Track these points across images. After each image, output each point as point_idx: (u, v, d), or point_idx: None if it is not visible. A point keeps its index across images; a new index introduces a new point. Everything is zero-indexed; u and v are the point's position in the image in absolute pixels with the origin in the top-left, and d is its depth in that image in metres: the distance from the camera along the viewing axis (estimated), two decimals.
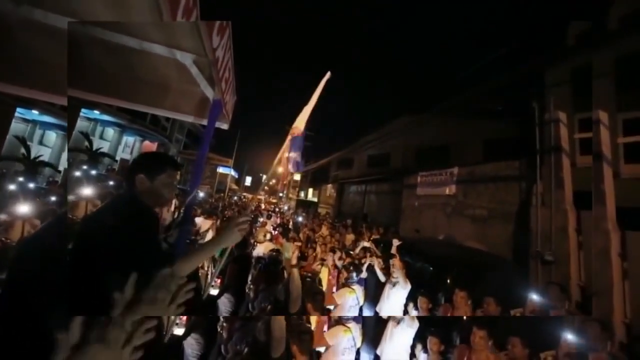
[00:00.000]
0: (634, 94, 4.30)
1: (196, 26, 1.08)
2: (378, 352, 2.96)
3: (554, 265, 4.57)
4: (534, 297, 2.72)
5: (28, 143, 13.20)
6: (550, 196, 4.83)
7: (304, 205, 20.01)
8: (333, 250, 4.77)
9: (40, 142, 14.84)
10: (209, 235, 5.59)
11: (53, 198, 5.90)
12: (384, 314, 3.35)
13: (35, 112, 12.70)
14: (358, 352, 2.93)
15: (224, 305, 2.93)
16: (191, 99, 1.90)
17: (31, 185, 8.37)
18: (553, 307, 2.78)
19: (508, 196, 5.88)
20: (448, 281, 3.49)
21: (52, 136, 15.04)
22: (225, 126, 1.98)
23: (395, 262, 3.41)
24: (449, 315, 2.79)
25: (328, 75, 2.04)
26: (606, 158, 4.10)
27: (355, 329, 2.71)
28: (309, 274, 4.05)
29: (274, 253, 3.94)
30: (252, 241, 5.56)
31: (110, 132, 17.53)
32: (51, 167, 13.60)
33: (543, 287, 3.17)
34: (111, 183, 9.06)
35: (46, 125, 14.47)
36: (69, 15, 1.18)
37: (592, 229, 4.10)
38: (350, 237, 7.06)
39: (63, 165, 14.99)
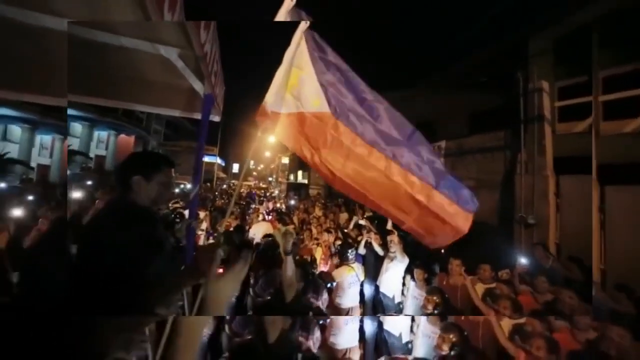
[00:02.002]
0: (612, 52, 4.38)
1: (181, 21, 1.05)
2: (377, 283, 3.63)
3: (535, 227, 4.91)
4: (522, 259, 2.94)
5: None
6: (533, 163, 5.07)
7: (294, 188, 20.01)
8: (328, 231, 4.87)
9: (4, 138, 13.59)
10: (204, 226, 5.56)
11: (30, 197, 5.56)
12: (383, 287, 3.53)
13: None
14: (362, 285, 3.61)
15: None
16: (179, 94, 1.82)
17: (2, 185, 7.82)
18: (539, 264, 3.06)
19: (494, 166, 6.12)
20: (442, 251, 3.68)
21: (16, 131, 13.78)
22: (217, 118, 1.90)
23: (393, 238, 3.54)
24: (444, 283, 2.97)
25: (303, 25, 1.40)
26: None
27: (358, 267, 3.43)
28: (305, 257, 4.15)
29: (269, 239, 3.98)
30: (247, 228, 5.58)
31: (79, 127, 16.27)
32: (22, 164, 12.64)
33: (529, 248, 3.44)
34: (89, 182, 8.60)
35: (7, 120, 13.08)
36: (45, 12, 1.11)
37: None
38: (344, 216, 7.19)
39: (35, 161, 13.98)
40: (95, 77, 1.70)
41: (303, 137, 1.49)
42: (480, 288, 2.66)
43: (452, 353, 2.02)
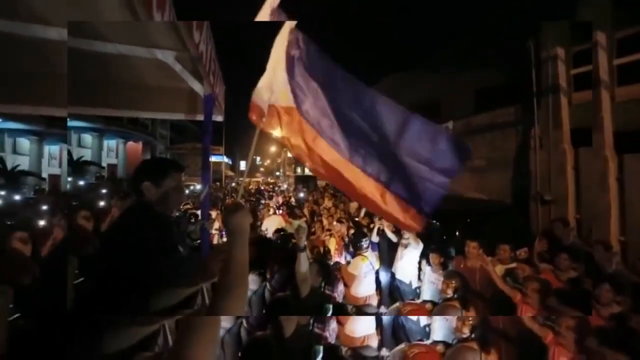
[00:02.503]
0: (628, 8, 3.98)
1: (174, 23, 1.07)
2: (393, 270, 3.60)
3: (552, 204, 4.75)
4: (541, 236, 2.86)
5: (0, 154, 12.56)
6: (548, 137, 4.86)
7: (302, 180, 20.03)
8: (340, 221, 4.85)
9: (14, 151, 14.09)
10: (216, 225, 5.67)
11: (44, 207, 5.77)
12: (399, 274, 3.52)
13: None
14: (377, 273, 3.60)
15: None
16: (180, 97, 1.84)
17: (17, 197, 8.15)
18: (560, 240, 2.97)
19: (505, 143, 5.92)
20: (457, 233, 3.62)
21: (25, 143, 14.25)
22: (219, 118, 1.92)
23: None
24: (462, 266, 2.93)
25: (289, 25, 1.41)
26: (604, 82, 4.01)
27: (372, 256, 3.40)
28: (319, 247, 4.17)
29: (281, 233, 4.00)
30: (259, 224, 5.64)
31: (89, 138, 16.66)
32: (34, 176, 13.10)
33: (547, 225, 3.33)
34: (103, 191, 8.83)
35: (15, 133, 13.58)
36: (36, 21, 1.11)
37: (591, 158, 4.16)
38: (354, 205, 7.15)
39: (46, 171, 14.50)
40: (97, 88, 1.73)
41: (282, 130, 1.55)
42: (499, 269, 2.61)
43: (473, 335, 2.01)
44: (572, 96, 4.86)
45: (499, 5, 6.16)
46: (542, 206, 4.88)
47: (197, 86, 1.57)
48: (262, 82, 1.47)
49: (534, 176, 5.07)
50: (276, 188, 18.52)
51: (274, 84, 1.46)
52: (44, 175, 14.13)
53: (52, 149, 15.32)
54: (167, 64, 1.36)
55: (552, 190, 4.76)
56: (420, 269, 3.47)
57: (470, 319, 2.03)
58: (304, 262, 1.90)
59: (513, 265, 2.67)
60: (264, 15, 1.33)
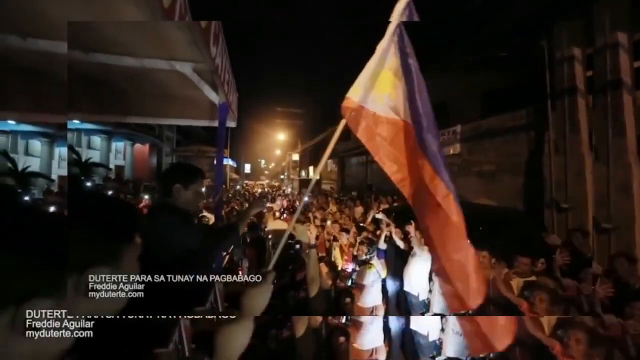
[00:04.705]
0: None
1: (193, 38, 1.21)
2: (401, 279, 3.46)
3: (569, 211, 4.54)
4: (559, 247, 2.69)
5: (12, 155, 12.91)
6: (564, 142, 4.65)
7: (306, 184, 19.95)
8: (346, 231, 4.73)
9: (26, 153, 14.45)
10: None
11: (52, 208, 5.83)
12: (407, 285, 3.38)
13: (11, 122, 12.17)
14: (384, 281, 3.53)
15: None
16: (200, 105, 1.95)
17: (26, 197, 8.29)
18: (578, 252, 2.80)
19: (516, 148, 5.74)
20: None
21: (36, 145, 14.59)
22: (232, 124, 1.99)
23: (410, 230, 3.38)
24: None
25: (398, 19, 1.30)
26: (626, 85, 3.83)
27: (378, 264, 3.39)
28: (323, 255, 4.06)
29: (290, 241, 3.90)
30: (262, 226, 5.57)
31: (97, 140, 17.00)
32: (43, 177, 13.39)
33: (565, 235, 3.15)
34: (110, 192, 8.93)
35: (28, 135, 13.98)
36: (54, 36, 1.31)
37: (611, 163, 3.96)
38: (359, 210, 7.06)
39: (56, 173, 14.82)
40: (124, 98, 1.90)
41: (379, 138, 1.48)
42: (517, 282, 2.46)
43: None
44: (588, 99, 4.67)
45: (508, 6, 6.00)
46: (559, 214, 4.67)
47: (212, 95, 1.66)
48: (367, 83, 1.33)
49: (548, 182, 4.87)
50: (280, 191, 18.50)
51: (398, 100, 1.38)
52: (54, 177, 14.41)
53: (62, 151, 15.67)
54: (185, 74, 1.46)
55: (569, 197, 4.55)
56: (431, 279, 3.31)
57: None
58: (314, 261, 1.94)
59: (532, 278, 2.51)
60: (396, 15, 1.29)
